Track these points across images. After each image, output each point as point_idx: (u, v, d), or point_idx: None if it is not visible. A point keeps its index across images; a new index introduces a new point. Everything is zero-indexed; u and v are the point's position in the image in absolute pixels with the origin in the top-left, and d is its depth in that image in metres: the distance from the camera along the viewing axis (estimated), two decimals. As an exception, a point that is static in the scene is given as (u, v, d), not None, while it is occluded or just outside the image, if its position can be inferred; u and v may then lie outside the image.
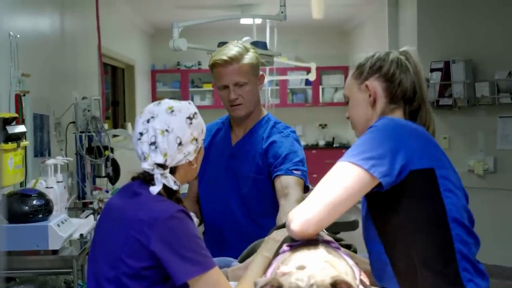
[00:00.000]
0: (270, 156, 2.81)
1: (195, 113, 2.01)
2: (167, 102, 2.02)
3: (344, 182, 1.80)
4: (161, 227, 1.84)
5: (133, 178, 2.02)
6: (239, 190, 2.84)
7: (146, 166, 1.94)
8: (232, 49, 2.82)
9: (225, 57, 2.78)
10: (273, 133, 2.91)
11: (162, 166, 1.94)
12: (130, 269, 1.86)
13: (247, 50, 2.84)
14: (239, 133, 2.94)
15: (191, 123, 1.97)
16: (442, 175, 1.88)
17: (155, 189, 1.92)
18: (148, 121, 1.96)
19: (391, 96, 2.02)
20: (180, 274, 1.83)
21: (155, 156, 1.93)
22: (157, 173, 1.93)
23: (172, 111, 1.97)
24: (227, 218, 2.85)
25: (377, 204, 1.90)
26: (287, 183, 2.70)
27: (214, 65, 2.81)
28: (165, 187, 1.95)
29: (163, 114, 1.96)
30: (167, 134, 1.93)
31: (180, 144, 1.94)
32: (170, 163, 1.95)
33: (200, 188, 2.94)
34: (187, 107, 2.01)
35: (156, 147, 1.93)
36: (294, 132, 2.98)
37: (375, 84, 2.04)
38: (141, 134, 1.96)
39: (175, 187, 1.95)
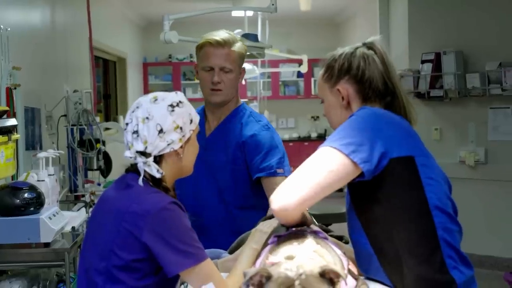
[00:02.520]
0: (250, 150, 2.76)
1: (180, 101, 1.98)
2: (154, 93, 2.01)
3: (325, 165, 1.81)
4: (153, 219, 1.84)
5: (126, 170, 2.02)
6: (215, 182, 2.80)
7: (128, 154, 1.94)
8: (224, 34, 2.80)
9: (218, 38, 2.75)
10: (250, 121, 2.83)
11: (144, 154, 1.92)
12: (121, 260, 1.86)
13: (237, 39, 2.83)
14: (213, 123, 2.88)
15: (173, 110, 1.94)
16: (422, 163, 1.88)
17: (140, 179, 1.91)
18: (133, 111, 1.96)
19: (364, 96, 2.02)
20: (172, 266, 1.84)
21: (136, 144, 1.92)
22: (139, 161, 1.91)
23: (156, 100, 1.96)
24: (204, 211, 2.80)
25: (360, 195, 1.90)
26: (273, 184, 2.72)
27: (204, 45, 2.77)
28: (154, 181, 1.94)
29: (146, 103, 1.95)
30: (147, 122, 1.91)
31: (161, 131, 1.91)
32: (152, 151, 1.92)
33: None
34: (172, 96, 1.99)
35: (137, 136, 1.91)
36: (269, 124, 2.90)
37: (346, 87, 2.04)
38: (127, 124, 1.96)
39: (157, 175, 1.91)
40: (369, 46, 2.07)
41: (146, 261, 1.86)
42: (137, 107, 1.96)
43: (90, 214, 2.12)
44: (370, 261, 1.93)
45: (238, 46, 2.79)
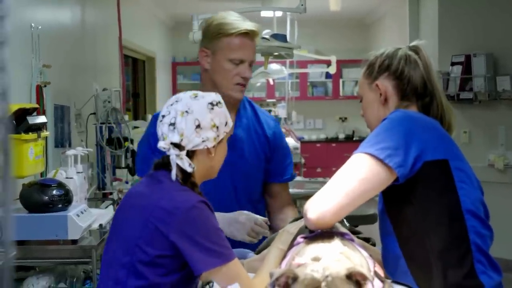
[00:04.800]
0: (273, 151, 2.69)
1: (219, 102, 1.98)
2: (194, 91, 2.01)
3: (360, 173, 1.81)
4: (182, 216, 1.84)
5: (156, 165, 2.01)
6: (232, 181, 2.62)
7: (162, 144, 1.92)
8: (250, 23, 2.52)
9: (254, 28, 2.50)
10: (260, 115, 2.70)
11: (178, 146, 1.91)
12: (146, 256, 1.86)
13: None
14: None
15: (212, 108, 1.94)
16: (456, 167, 1.88)
17: (172, 173, 1.90)
18: (172, 104, 1.96)
19: (402, 93, 2.03)
20: (200, 264, 1.83)
21: (172, 136, 1.91)
22: (172, 153, 1.90)
23: (196, 96, 1.96)
24: (216, 207, 2.61)
25: (393, 197, 1.90)
26: (285, 188, 2.76)
27: (239, 34, 2.48)
28: (184, 176, 1.93)
29: (186, 98, 1.96)
30: (186, 115, 1.91)
31: (198, 126, 1.91)
32: (187, 144, 1.91)
33: None
34: (213, 95, 1.99)
35: (174, 128, 1.91)
36: None
37: (385, 83, 2.05)
38: (163, 116, 1.96)
39: (189, 169, 1.90)
40: (413, 48, 2.08)
41: (171, 258, 1.86)
42: (177, 101, 1.96)
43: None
44: (397, 264, 1.92)
45: (259, 38, 2.61)
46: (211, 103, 1.95)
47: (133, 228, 1.90)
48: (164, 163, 1.96)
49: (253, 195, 2.69)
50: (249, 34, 2.49)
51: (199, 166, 1.97)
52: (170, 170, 1.93)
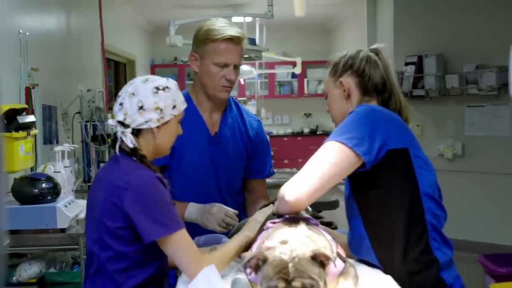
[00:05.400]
0: (254, 149, 2.68)
1: (167, 87, 1.99)
2: (150, 76, 2.04)
3: (332, 158, 1.83)
4: (133, 191, 1.87)
5: (111, 140, 2.04)
6: (215, 175, 2.59)
7: (110, 122, 1.99)
8: (236, 28, 2.49)
9: (239, 35, 2.47)
10: (244, 115, 2.70)
11: (123, 124, 1.95)
12: (109, 229, 1.90)
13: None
14: (214, 118, 2.60)
15: (157, 92, 1.96)
16: (415, 154, 1.91)
17: (116, 146, 1.96)
18: (127, 87, 2.02)
19: (364, 90, 2.06)
20: (147, 233, 1.85)
21: (119, 115, 1.96)
22: (118, 130, 1.96)
23: (146, 80, 2.00)
24: (199, 198, 2.54)
25: (359, 182, 1.92)
26: (261, 184, 2.76)
27: (223, 39, 2.45)
28: (132, 151, 1.96)
29: (138, 82, 2.00)
30: (132, 97, 1.96)
31: (141, 108, 1.94)
32: (130, 123, 1.95)
33: (177, 171, 2.57)
34: (162, 81, 2.01)
35: (122, 107, 1.96)
36: None
37: (348, 80, 2.08)
38: (118, 97, 2.01)
39: (130, 145, 1.95)
40: (374, 50, 2.11)
41: (128, 229, 1.89)
42: (130, 84, 2.01)
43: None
44: (362, 243, 1.95)
45: (245, 42, 2.56)
46: (157, 87, 1.97)
47: (98, 207, 1.93)
48: (114, 139, 2.00)
49: (234, 188, 2.68)
50: (233, 40, 2.46)
51: (145, 144, 2.00)
52: (126, 152, 1.97)
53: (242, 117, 2.70)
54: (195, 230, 2.42)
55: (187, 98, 2.47)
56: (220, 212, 2.39)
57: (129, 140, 1.95)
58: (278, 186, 1.94)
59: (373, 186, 1.90)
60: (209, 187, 2.59)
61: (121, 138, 1.96)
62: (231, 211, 2.41)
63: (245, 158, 2.67)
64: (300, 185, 1.82)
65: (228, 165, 2.62)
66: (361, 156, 1.83)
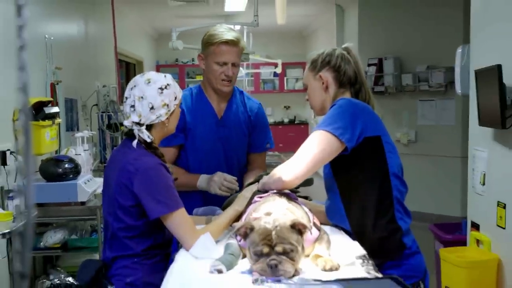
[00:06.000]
0: (255, 126, 2.68)
1: (168, 84, 1.96)
2: (148, 74, 1.98)
3: (321, 145, 1.83)
4: (142, 175, 1.86)
5: (125, 133, 2.03)
6: (225, 152, 2.62)
7: (126, 123, 1.95)
8: (233, 33, 2.53)
9: (233, 38, 2.50)
10: (248, 101, 2.70)
11: (138, 123, 1.93)
12: (121, 205, 1.90)
13: (241, 37, 2.60)
14: (221, 105, 2.62)
15: (162, 92, 1.93)
16: (386, 141, 1.91)
17: (134, 142, 1.93)
18: (131, 88, 1.96)
19: (339, 83, 2.04)
20: (152, 211, 1.85)
21: (133, 116, 1.92)
22: (135, 128, 1.93)
23: (149, 82, 1.95)
24: (213, 171, 2.55)
25: (340, 164, 1.91)
26: (259, 157, 2.72)
27: (221, 43, 2.48)
28: (146, 144, 1.95)
29: (141, 84, 1.94)
30: (142, 100, 1.91)
31: (152, 108, 1.92)
32: (145, 122, 1.93)
33: (192, 149, 2.60)
34: (162, 79, 1.97)
35: (134, 110, 1.92)
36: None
37: (327, 74, 2.05)
38: (126, 98, 1.96)
39: (148, 140, 1.93)
40: (345, 49, 2.08)
41: (137, 207, 1.89)
42: (134, 86, 1.95)
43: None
44: (338, 213, 1.95)
45: (242, 43, 2.57)
46: (161, 88, 1.94)
47: (112, 186, 1.93)
48: (130, 134, 1.97)
49: (240, 161, 2.69)
50: (229, 43, 2.49)
51: (157, 134, 1.99)
52: (131, 136, 1.96)
53: (244, 102, 2.70)
54: (207, 197, 2.48)
55: (199, 91, 2.61)
56: (220, 178, 2.42)
57: (146, 136, 1.93)
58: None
59: (351, 167, 1.90)
60: (219, 161, 2.61)
61: (138, 134, 1.94)
62: (229, 177, 2.42)
63: (247, 136, 2.68)
64: (296, 168, 1.83)
65: (233, 142, 2.64)
66: (345, 143, 1.82)
